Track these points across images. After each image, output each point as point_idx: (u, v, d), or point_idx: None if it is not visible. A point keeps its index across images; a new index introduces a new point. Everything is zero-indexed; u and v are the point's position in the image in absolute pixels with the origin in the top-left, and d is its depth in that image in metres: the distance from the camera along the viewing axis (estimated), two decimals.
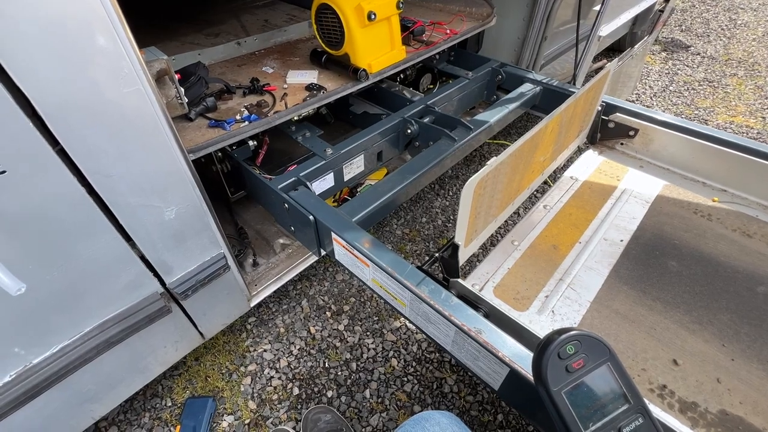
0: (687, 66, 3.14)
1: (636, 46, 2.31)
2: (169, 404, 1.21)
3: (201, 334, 1.09)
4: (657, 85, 2.90)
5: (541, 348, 0.35)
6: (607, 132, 1.30)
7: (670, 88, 2.86)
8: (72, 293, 0.74)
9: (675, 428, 0.58)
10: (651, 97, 2.77)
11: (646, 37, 2.52)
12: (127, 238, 0.77)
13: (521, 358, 0.63)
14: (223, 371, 1.28)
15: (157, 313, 0.89)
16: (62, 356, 0.78)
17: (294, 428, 1.14)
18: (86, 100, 0.60)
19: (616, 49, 3.10)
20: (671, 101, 2.72)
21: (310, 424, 1.09)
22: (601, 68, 1.10)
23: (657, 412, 0.60)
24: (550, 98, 1.42)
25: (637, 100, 2.74)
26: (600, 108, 1.26)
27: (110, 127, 0.65)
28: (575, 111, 1.07)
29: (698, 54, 3.31)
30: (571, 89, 1.37)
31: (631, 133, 1.25)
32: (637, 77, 2.76)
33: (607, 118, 1.28)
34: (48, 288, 0.70)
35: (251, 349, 1.34)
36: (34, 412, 0.79)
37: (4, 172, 0.56)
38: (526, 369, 0.62)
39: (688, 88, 2.85)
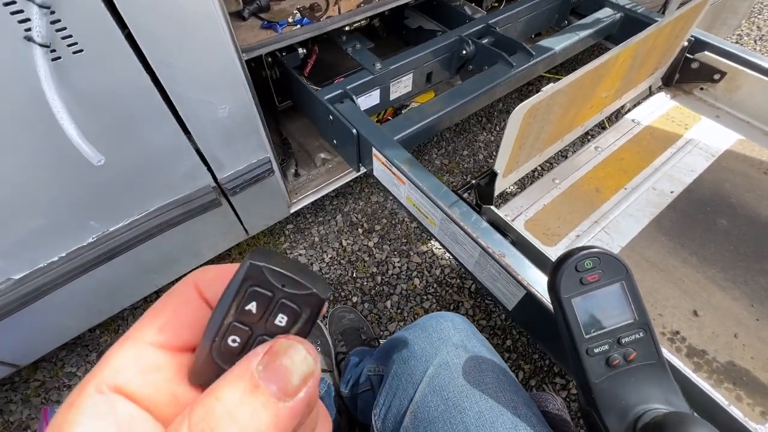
0: None
1: None
2: None
3: (245, 230, 1.20)
4: (767, 26, 2.45)
5: (560, 259, 0.37)
6: (687, 73, 1.16)
7: None
8: (139, 174, 0.83)
9: (676, 367, 0.61)
10: (756, 40, 2.36)
11: None
12: (186, 131, 0.83)
13: (538, 283, 0.66)
14: None
15: (209, 203, 0.98)
16: (131, 229, 0.90)
17: (321, 321, 1.29)
18: None
19: None
20: None
21: (335, 320, 1.23)
22: None
23: (663, 353, 0.63)
24: (630, 28, 1.25)
25: (738, 41, 2.35)
26: (686, 44, 1.11)
27: (172, 16, 0.66)
28: (655, 43, 0.96)
29: None
30: (657, 18, 1.20)
31: (716, 76, 1.11)
32: (744, 14, 2.32)
33: (692, 56, 1.13)
34: (120, 166, 0.79)
35: (288, 252, 1.47)
36: (111, 272, 0.94)
37: (81, 50, 0.61)
38: (542, 293, 0.65)
39: None
